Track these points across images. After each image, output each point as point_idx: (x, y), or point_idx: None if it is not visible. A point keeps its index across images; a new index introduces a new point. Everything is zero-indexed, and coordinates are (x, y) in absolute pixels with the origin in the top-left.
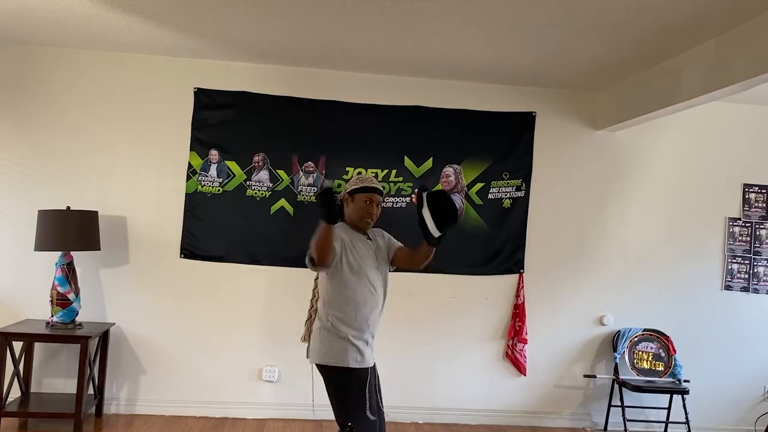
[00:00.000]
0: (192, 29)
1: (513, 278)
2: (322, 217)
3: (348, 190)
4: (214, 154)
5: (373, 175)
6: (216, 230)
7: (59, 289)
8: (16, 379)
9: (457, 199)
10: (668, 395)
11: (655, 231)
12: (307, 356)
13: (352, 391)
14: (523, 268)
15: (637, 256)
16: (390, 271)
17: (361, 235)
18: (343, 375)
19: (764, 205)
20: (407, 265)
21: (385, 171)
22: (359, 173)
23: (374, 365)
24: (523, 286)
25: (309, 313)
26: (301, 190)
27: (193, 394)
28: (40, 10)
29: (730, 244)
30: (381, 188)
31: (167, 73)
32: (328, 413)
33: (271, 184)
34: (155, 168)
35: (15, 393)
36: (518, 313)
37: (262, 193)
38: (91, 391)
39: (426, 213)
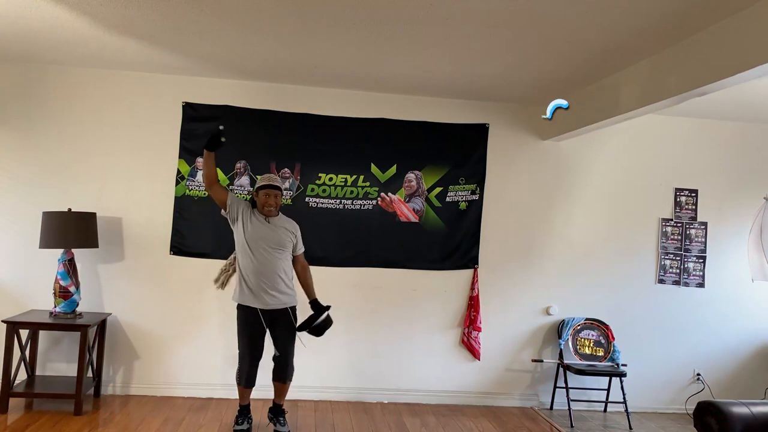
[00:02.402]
0: (181, 49)
1: (468, 273)
2: (205, 147)
3: (255, 188)
4: (200, 161)
5: (333, 178)
6: (202, 229)
7: (61, 282)
8: (22, 363)
9: (418, 203)
10: (608, 378)
11: (597, 230)
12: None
13: (238, 320)
14: (477, 264)
15: (580, 253)
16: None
17: (261, 217)
18: (239, 310)
19: (693, 207)
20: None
21: (354, 176)
22: (330, 178)
23: (273, 310)
24: (477, 280)
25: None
26: None
27: (182, 377)
28: (45, 31)
29: (663, 242)
30: (278, 184)
31: (158, 89)
32: (303, 393)
33: (251, 188)
34: (148, 174)
35: (22, 376)
36: (473, 304)
37: (243, 197)
38: (90, 374)
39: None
